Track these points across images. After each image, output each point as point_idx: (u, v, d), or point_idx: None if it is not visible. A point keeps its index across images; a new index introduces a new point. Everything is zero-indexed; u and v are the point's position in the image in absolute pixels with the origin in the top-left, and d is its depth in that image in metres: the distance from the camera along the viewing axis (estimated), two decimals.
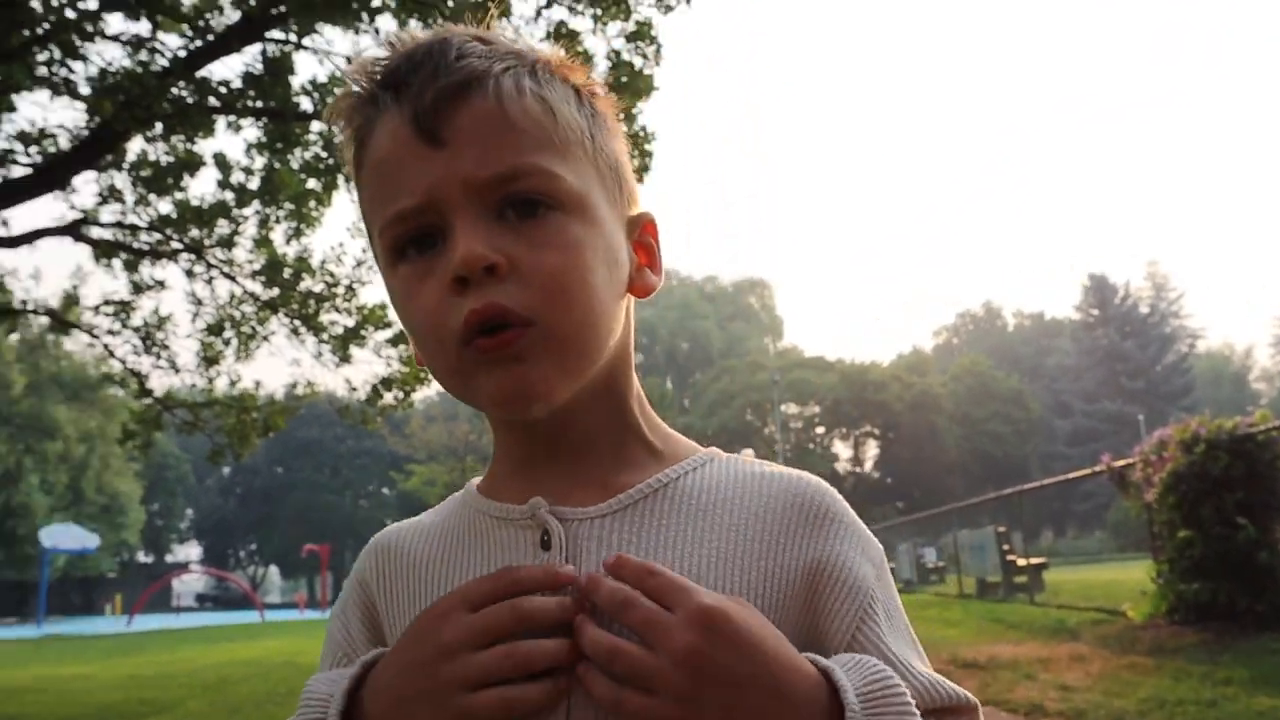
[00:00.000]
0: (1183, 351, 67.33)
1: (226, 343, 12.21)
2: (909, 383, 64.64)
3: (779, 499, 0.77)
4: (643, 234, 0.83)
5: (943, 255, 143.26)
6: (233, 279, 11.86)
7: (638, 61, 9.38)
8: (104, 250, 11.26)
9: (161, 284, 11.87)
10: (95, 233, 11.11)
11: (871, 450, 67.75)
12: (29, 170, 9.74)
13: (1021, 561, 17.54)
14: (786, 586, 0.74)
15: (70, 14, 8.53)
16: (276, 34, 9.61)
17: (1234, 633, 8.80)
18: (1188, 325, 69.69)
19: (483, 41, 0.75)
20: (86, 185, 11.63)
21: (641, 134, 9.35)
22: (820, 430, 66.81)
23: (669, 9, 9.46)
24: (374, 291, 12.24)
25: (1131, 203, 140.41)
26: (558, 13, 9.46)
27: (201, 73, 9.48)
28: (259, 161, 11.05)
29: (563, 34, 8.93)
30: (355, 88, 0.76)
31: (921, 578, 25.22)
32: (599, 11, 9.37)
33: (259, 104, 9.91)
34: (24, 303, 11.73)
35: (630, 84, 9.05)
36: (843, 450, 67.33)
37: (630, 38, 9.39)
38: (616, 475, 0.79)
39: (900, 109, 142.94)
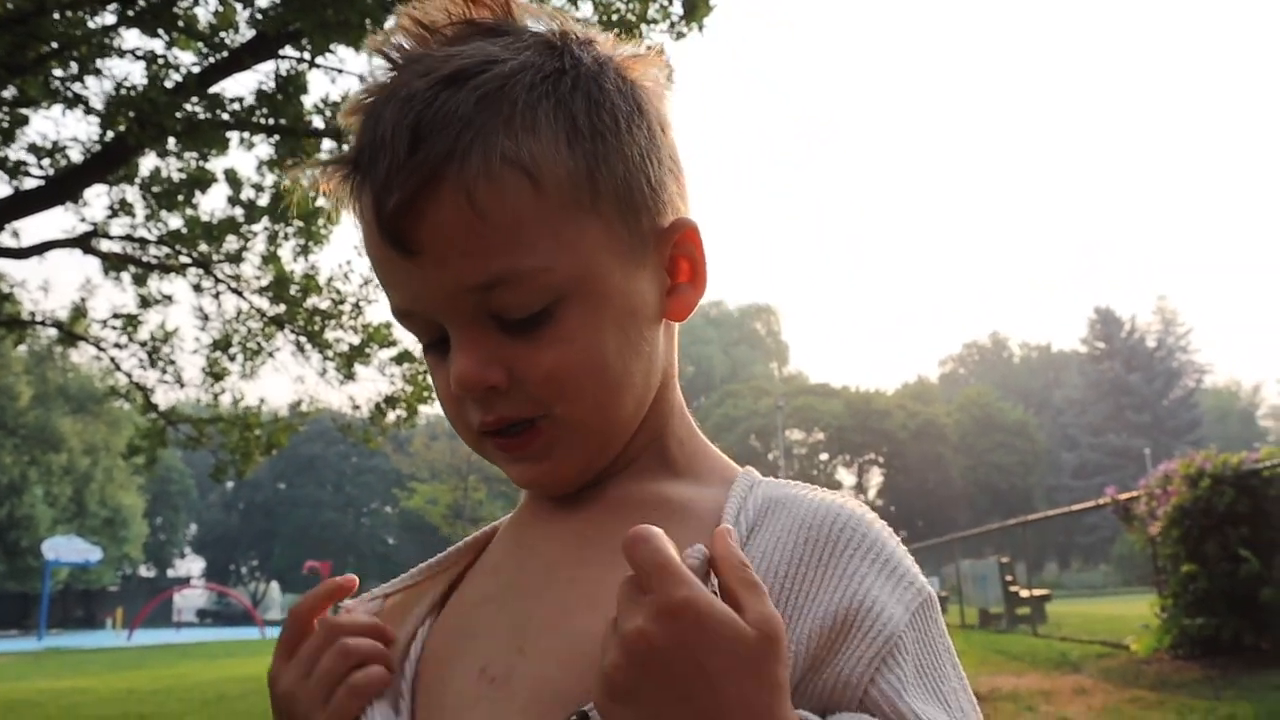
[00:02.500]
0: (1190, 386, 67.14)
1: (232, 358, 12.24)
2: (914, 411, 64.58)
3: (793, 533, 0.65)
4: (679, 245, 0.72)
5: (950, 285, 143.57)
6: (240, 294, 11.92)
7: None
8: (113, 263, 11.33)
9: (169, 298, 11.93)
10: (105, 246, 11.18)
11: (875, 478, 67.66)
12: (41, 182, 9.82)
13: (1025, 593, 17.47)
14: (797, 648, 0.60)
15: (87, 29, 8.63)
16: (290, 52, 9.70)
17: (1238, 668, 8.73)
18: (1195, 360, 69.56)
19: (453, 79, 0.64)
20: (98, 198, 11.71)
21: None
22: (824, 457, 66.74)
23: (681, 36, 9.53)
24: (379, 310, 12.30)
25: (1141, 237, 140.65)
26: None
27: (214, 89, 9.57)
28: (269, 178, 11.12)
29: None
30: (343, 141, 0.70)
31: None
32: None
33: (271, 121, 9.98)
34: (32, 314, 11.79)
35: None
36: (846, 478, 67.30)
37: None
38: None
39: (911, 137, 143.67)
